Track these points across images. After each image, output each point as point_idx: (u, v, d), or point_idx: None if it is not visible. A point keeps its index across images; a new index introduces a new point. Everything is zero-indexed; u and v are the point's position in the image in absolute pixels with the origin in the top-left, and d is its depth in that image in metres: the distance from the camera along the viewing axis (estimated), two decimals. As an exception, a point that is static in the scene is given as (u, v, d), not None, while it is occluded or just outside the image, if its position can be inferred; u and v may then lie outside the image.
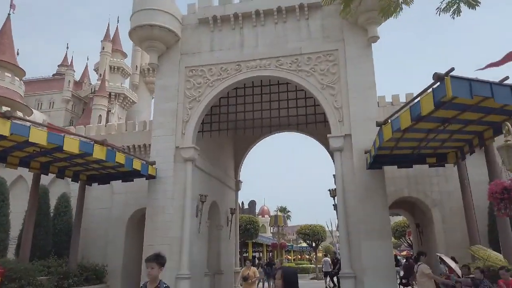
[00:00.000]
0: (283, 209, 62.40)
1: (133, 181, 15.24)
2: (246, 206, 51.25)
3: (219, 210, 19.03)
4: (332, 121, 14.35)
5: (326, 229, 40.80)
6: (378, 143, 10.79)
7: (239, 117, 16.39)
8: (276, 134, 23.11)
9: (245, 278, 11.89)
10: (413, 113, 8.76)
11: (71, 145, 10.83)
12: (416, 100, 8.84)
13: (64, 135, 10.99)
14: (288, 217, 62.46)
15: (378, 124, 10.64)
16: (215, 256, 18.39)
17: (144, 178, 14.95)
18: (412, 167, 13.54)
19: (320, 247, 38.50)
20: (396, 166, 13.83)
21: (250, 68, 15.47)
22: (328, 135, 14.24)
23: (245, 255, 31.36)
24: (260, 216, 52.91)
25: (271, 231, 31.68)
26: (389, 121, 9.96)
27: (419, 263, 9.08)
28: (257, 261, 24.40)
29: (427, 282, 8.65)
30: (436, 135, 10.64)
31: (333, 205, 19.28)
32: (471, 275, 8.82)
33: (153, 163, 14.80)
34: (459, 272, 10.25)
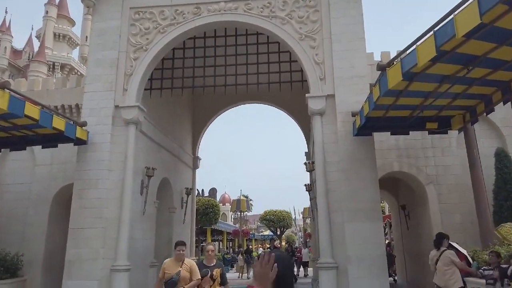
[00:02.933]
0: (245, 197, 59.98)
1: (56, 146, 11.91)
2: (206, 194, 48.35)
3: (172, 189, 16.00)
4: (312, 79, 11.71)
5: (292, 216, 38.68)
6: (378, 94, 8.24)
7: (198, 74, 13.36)
8: (241, 106, 20.36)
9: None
10: (439, 41, 6.21)
11: None
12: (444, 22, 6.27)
13: None
14: (250, 206, 60.07)
15: (380, 68, 8.07)
16: (165, 243, 15.38)
17: (73, 144, 11.66)
18: (408, 133, 11.22)
19: (284, 235, 36.36)
20: (387, 134, 11.49)
21: (212, 12, 12.46)
22: (306, 95, 11.60)
23: (203, 244, 28.32)
24: (221, 204, 50.17)
25: (233, 217, 28.94)
26: (399, 59, 7.38)
27: (442, 248, 6.68)
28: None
29: (455, 272, 6.28)
30: (450, 87, 8.22)
31: (306, 185, 16.87)
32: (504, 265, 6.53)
33: (83, 124, 11.53)
34: (470, 260, 8.06)
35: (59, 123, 10.28)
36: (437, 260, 6.53)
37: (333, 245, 10.39)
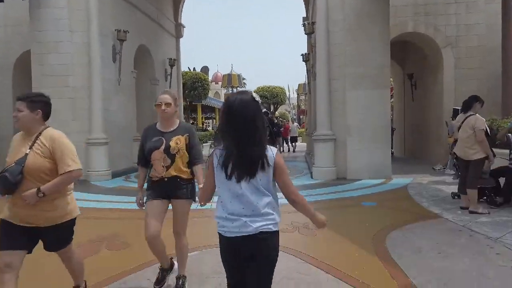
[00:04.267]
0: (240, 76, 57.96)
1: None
2: (208, 78, 46.10)
3: (153, 59, 14.25)
4: None
5: (286, 93, 37.46)
6: None
7: None
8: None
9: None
10: None
11: None
12: None
13: None
14: (243, 82, 58.42)
15: None
16: (149, 119, 14.28)
17: (21, -2, 9.55)
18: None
19: (277, 112, 35.78)
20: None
21: None
22: None
23: (193, 122, 27.68)
24: (214, 83, 48.43)
25: (225, 93, 27.63)
26: None
27: (469, 113, 5.46)
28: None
29: (480, 143, 5.18)
30: None
31: (302, 54, 15.18)
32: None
33: (28, -31, 9.23)
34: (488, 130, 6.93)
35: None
36: (461, 126, 5.39)
37: (332, 116, 9.27)
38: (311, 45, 11.87)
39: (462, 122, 5.55)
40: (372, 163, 8.99)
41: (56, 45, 9.76)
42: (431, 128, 11.02)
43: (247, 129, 1.76)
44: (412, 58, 12.75)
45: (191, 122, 26.16)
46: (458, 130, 5.58)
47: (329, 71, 9.24)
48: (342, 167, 9.19)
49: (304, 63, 15.29)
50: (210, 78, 52.32)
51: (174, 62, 15.52)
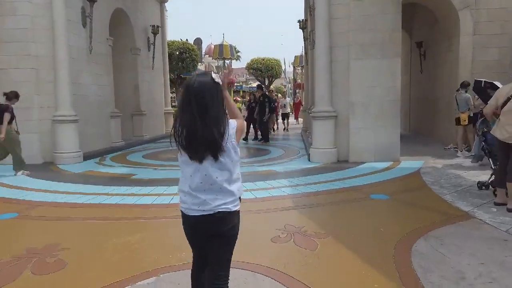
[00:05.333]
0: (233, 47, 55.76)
1: None
2: (196, 48, 44.02)
3: (132, 25, 12.80)
4: None
5: (282, 67, 35.66)
6: None
7: None
8: None
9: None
10: None
11: None
12: None
13: None
14: (238, 57, 56.38)
15: None
16: (130, 92, 13.03)
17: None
18: None
19: (272, 86, 34.29)
20: None
21: None
22: None
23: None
24: (207, 55, 46.48)
25: (217, 65, 25.95)
26: None
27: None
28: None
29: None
30: None
31: (299, 21, 13.83)
32: None
33: None
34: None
35: None
36: (507, 100, 4.23)
37: (333, 90, 8.07)
38: (310, 8, 10.51)
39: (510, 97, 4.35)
40: (378, 143, 7.88)
41: (12, 6, 8.37)
42: (442, 103, 9.85)
43: (204, 111, 1.75)
44: (421, 24, 11.39)
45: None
46: (503, 106, 4.39)
47: (330, 37, 7.97)
48: (343, 148, 8.08)
49: (301, 30, 13.92)
50: (203, 50, 50.31)
51: (157, 29, 14.06)
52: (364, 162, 7.80)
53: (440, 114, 10.07)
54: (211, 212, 1.80)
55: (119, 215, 4.65)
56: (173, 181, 6.46)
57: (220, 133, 1.75)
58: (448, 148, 9.09)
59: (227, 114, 1.87)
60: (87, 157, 9.21)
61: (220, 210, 1.81)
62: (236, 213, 1.88)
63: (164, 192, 5.69)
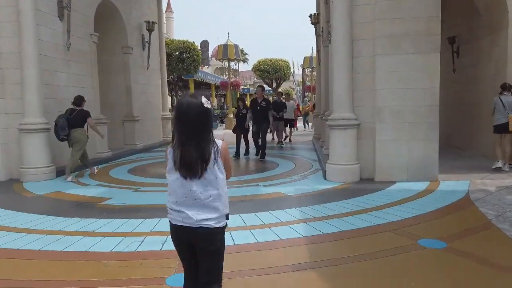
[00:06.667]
0: (240, 50, 54.27)
1: None
2: (197, 47, 42.74)
3: (123, 21, 11.42)
4: None
5: (291, 69, 33.96)
6: None
7: None
8: None
9: None
10: None
11: None
12: None
13: None
14: (245, 60, 54.82)
15: None
16: (121, 95, 11.64)
17: None
18: None
19: (280, 89, 32.77)
20: None
21: None
22: None
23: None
24: (214, 58, 45.15)
25: (221, 65, 24.46)
26: None
27: None
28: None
29: None
30: None
31: (311, 15, 12.41)
32: None
33: None
34: None
35: None
36: None
37: (354, 93, 6.58)
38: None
39: None
40: (412, 158, 6.37)
41: (-31, -7, 7.05)
42: (483, 108, 8.27)
43: (191, 131, 1.85)
44: (454, 17, 9.82)
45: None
46: None
47: (351, 27, 6.49)
48: (368, 164, 6.58)
49: (312, 27, 12.45)
50: (210, 52, 49.08)
51: (153, 26, 12.67)
52: (395, 182, 6.29)
53: (480, 122, 8.47)
54: (194, 226, 1.87)
55: (53, 274, 3.19)
56: (153, 210, 5.03)
57: (204, 154, 1.84)
58: (499, 168, 7.27)
59: (214, 140, 1.90)
60: (63, 172, 7.79)
61: (202, 225, 1.88)
62: (219, 230, 1.93)
63: (135, 230, 4.23)
